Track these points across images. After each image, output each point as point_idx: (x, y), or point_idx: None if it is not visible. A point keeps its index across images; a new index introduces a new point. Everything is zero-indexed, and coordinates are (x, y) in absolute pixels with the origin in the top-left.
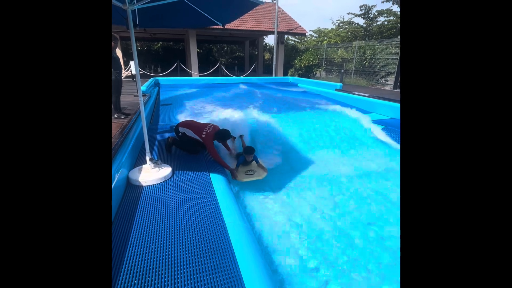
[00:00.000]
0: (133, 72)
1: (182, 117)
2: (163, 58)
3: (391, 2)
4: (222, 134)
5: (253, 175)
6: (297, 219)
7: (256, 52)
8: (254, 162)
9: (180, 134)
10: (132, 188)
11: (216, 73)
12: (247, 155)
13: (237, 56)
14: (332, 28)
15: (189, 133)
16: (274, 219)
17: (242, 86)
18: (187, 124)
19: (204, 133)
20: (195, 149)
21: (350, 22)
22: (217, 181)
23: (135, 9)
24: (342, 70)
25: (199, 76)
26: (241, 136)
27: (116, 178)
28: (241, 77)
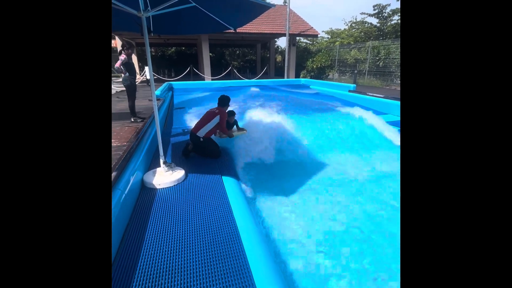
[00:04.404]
0: (148, 77)
1: (195, 120)
2: (177, 62)
3: None
4: (225, 99)
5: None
6: (311, 223)
7: (268, 55)
8: (235, 127)
9: (201, 139)
10: (147, 191)
11: (228, 76)
12: (229, 117)
13: (249, 59)
14: (344, 29)
15: (208, 127)
16: (286, 222)
17: (254, 89)
18: (200, 125)
19: (217, 110)
20: (218, 151)
21: (363, 22)
22: (230, 184)
23: (149, 16)
24: (356, 71)
25: (212, 79)
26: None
27: (132, 180)
28: (253, 79)
